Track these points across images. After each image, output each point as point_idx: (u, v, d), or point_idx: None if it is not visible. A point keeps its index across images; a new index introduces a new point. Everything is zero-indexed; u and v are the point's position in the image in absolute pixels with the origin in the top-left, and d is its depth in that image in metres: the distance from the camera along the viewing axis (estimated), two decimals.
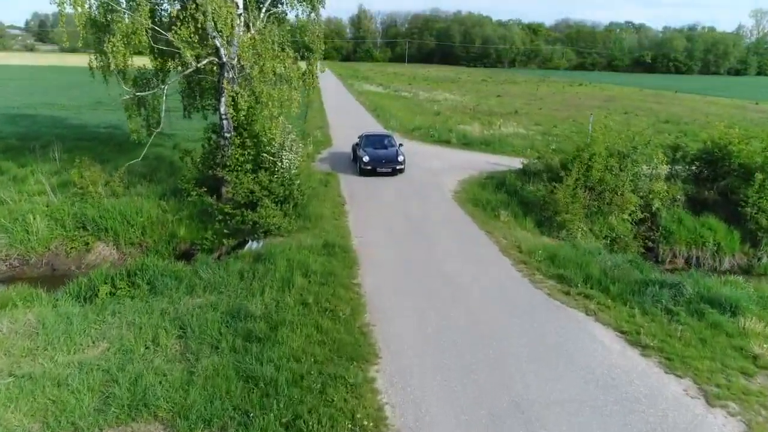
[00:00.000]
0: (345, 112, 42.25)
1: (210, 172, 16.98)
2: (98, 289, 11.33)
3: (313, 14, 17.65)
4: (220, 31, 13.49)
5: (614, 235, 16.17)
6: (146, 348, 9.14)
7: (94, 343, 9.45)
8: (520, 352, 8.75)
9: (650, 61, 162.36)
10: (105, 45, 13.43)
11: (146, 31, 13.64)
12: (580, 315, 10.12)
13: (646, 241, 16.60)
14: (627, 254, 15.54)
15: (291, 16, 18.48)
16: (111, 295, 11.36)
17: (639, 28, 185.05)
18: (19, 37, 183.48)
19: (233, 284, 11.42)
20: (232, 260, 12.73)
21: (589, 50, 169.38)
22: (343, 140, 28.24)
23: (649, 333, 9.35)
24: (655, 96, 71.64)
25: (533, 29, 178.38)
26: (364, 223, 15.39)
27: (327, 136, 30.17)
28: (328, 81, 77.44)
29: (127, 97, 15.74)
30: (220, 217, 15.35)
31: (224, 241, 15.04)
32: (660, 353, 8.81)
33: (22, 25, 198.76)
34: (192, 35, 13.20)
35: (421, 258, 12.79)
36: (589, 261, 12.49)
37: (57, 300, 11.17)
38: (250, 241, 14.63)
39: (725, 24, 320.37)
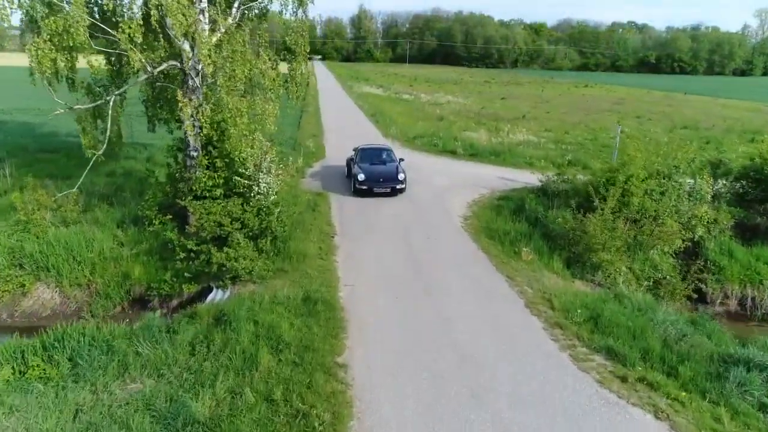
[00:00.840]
0: (342, 117, 39.49)
1: (173, 198, 14.25)
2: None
3: (300, 11, 14.91)
4: (171, 28, 10.73)
5: (659, 275, 13.39)
6: None
7: None
8: None
9: (654, 62, 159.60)
10: (27, 46, 10.70)
11: (84, 29, 10.84)
12: (648, 419, 7.35)
13: (698, 282, 13.79)
14: (675, 300, 12.90)
15: (274, 10, 15.58)
16: (20, 376, 8.64)
17: (642, 28, 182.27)
18: (18, 38, 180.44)
19: (180, 362, 8.66)
20: (185, 322, 9.94)
21: (592, 50, 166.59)
22: (339, 151, 25.58)
23: None
24: (665, 98, 68.87)
25: (535, 29, 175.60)
26: (356, 265, 12.62)
27: (320, 147, 27.42)
28: (327, 83, 74.72)
29: (60, 111, 12.98)
30: (183, 254, 12.62)
31: (184, 287, 12.25)
32: None
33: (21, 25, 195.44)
34: (137, 34, 10.44)
35: (428, 320, 10.00)
36: (644, 325, 9.71)
37: None
38: (214, 289, 11.88)
39: (727, 24, 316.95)
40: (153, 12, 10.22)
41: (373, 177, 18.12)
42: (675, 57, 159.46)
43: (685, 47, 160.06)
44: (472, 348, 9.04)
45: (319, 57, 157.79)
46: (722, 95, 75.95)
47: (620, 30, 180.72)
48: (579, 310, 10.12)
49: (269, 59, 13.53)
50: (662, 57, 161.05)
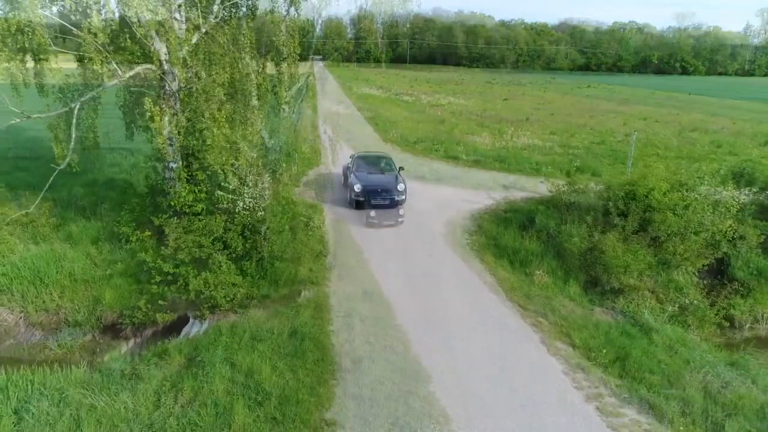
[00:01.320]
0: (340, 120, 38.14)
1: (151, 213, 13.03)
2: None
3: (293, 9, 13.70)
4: (135, 27, 9.48)
5: (685, 301, 12.11)
6: None
7: None
8: None
9: (656, 62, 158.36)
10: None
11: (43, 29, 9.60)
12: None
13: (729, 309, 12.52)
14: (704, 329, 11.66)
15: (264, 8, 14.34)
16: None
17: (643, 28, 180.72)
18: None
19: (141, 418, 7.41)
20: (153, 363, 8.70)
21: (593, 50, 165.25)
22: (336, 156, 24.34)
23: None
24: (669, 99, 67.60)
25: (536, 29, 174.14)
26: (350, 290, 11.33)
27: (316, 152, 26.13)
28: (325, 83, 73.36)
29: (16, 120, 11.77)
30: (158, 278, 11.39)
31: (159, 316, 10.98)
32: None
33: None
34: (100, 33, 9.20)
35: (431, 362, 8.68)
36: (680, 369, 8.46)
37: None
38: (191, 320, 10.64)
39: (727, 24, 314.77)
40: (109, 8, 9.02)
41: (371, 188, 16.80)
42: (677, 57, 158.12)
43: (687, 47, 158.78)
44: (484, 397, 7.78)
45: (320, 57, 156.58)
46: (727, 96, 74.66)
47: (622, 30, 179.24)
48: (604, 350, 8.85)
49: (253, 60, 12.28)
50: (664, 57, 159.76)
